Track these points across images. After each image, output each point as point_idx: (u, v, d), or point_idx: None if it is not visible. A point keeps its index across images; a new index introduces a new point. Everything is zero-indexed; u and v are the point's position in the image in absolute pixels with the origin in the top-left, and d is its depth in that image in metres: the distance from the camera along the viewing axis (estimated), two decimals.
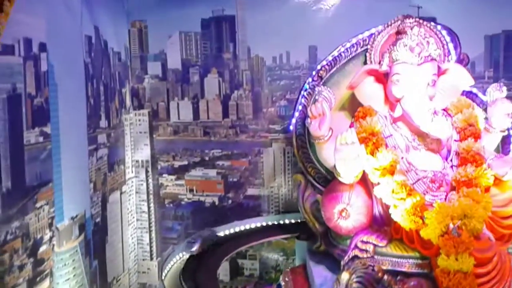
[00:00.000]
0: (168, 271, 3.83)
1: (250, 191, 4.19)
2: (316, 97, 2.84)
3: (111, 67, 3.73)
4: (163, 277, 3.81)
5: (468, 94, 3.21)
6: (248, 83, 4.14)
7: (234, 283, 4.30)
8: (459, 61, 3.30)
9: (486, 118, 2.92)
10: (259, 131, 4.14)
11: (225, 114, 4.18)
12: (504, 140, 3.23)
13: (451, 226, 2.35)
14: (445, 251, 2.27)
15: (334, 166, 2.62)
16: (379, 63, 2.92)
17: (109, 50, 3.70)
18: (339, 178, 2.67)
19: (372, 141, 2.69)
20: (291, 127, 3.36)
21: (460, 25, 3.91)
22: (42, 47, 2.67)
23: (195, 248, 3.70)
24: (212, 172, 4.23)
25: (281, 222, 4.02)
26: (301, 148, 3.31)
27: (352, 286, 2.58)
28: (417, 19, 2.93)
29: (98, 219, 3.43)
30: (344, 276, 2.63)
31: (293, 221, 3.95)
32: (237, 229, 3.96)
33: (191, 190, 4.26)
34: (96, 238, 3.38)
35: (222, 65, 4.17)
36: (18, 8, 1.99)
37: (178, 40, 4.21)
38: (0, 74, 2.27)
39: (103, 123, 3.51)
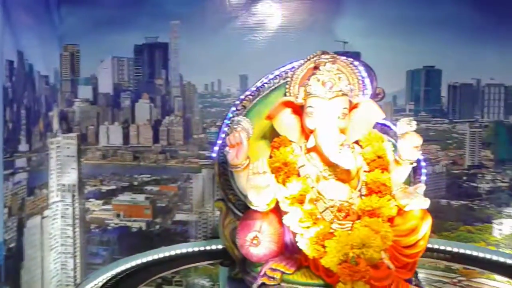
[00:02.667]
0: None
1: (179, 217, 4.20)
2: (235, 127, 2.92)
3: (35, 91, 3.71)
4: None
5: (382, 126, 3.37)
6: (179, 109, 4.19)
7: None
8: (375, 95, 3.47)
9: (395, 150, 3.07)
10: (189, 157, 4.18)
11: (156, 139, 4.21)
12: (416, 171, 3.40)
13: (351, 254, 2.45)
14: (342, 279, 2.36)
15: (246, 194, 2.69)
16: (297, 95, 3.03)
17: (35, 74, 3.68)
18: (251, 206, 2.74)
19: (284, 171, 2.78)
20: (214, 155, 3.42)
21: (383, 60, 4.13)
22: None
23: None
24: (140, 197, 4.22)
25: (208, 248, 4.03)
26: (223, 175, 3.36)
27: None
28: (333, 55, 3.06)
29: (12, 245, 3.34)
30: None
31: (220, 247, 3.96)
32: (161, 255, 3.94)
33: (118, 215, 4.23)
34: (8, 264, 3.29)
35: (154, 91, 4.22)
36: None
37: (110, 64, 4.23)
38: None
39: (23, 147, 3.46)
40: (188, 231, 4.21)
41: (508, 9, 4.08)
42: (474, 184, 4.34)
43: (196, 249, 4.05)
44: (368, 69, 3.51)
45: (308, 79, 2.95)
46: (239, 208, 3.33)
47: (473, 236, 4.35)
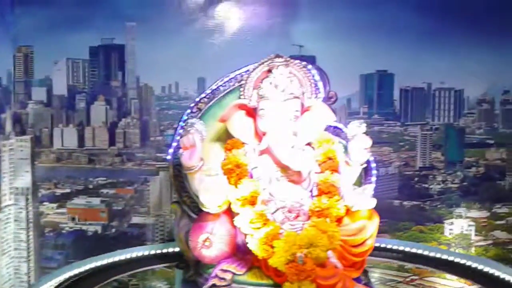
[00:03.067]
0: None
1: (135, 220, 4.18)
2: (188, 129, 2.94)
3: None
4: None
5: (335, 129, 3.44)
6: (136, 112, 4.18)
7: None
8: (328, 98, 3.54)
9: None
10: (146, 160, 4.17)
11: (112, 142, 4.17)
12: (366, 172, 3.49)
13: (299, 254, 2.50)
14: (289, 279, 2.41)
15: (198, 196, 2.71)
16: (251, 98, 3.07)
17: None
18: (203, 208, 2.76)
19: (236, 173, 2.80)
20: (169, 157, 3.41)
21: (338, 64, 4.23)
22: None
23: None
24: (95, 201, 4.18)
25: (165, 250, 3.99)
26: (178, 178, 3.36)
27: None
28: (287, 59, 3.11)
29: None
30: None
31: (177, 249, 3.93)
32: (116, 258, 3.88)
33: (73, 219, 4.18)
34: None
35: (110, 93, 4.19)
36: None
37: (65, 66, 4.18)
38: None
39: None
40: (145, 234, 4.19)
41: (456, 17, 4.24)
42: (426, 185, 4.47)
43: (152, 252, 4.01)
44: (321, 73, 3.58)
45: (261, 82, 2.99)
46: (194, 211, 3.33)
47: (425, 235, 4.48)
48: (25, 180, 4.14)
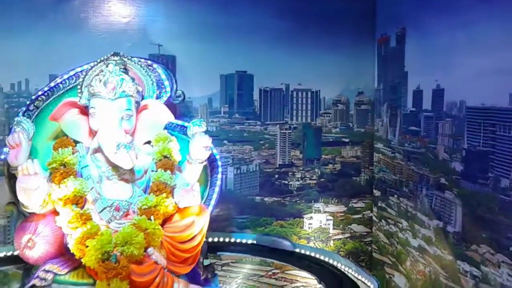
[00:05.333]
0: None
1: None
2: (15, 127, 2.86)
3: None
4: None
5: (182, 127, 3.49)
6: None
7: None
8: (176, 97, 3.60)
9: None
10: None
11: None
12: (212, 170, 3.57)
13: (114, 253, 2.52)
14: (99, 277, 2.43)
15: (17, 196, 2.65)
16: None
17: None
18: (23, 208, 2.71)
19: (60, 172, 2.77)
20: (3, 156, 3.29)
21: (199, 64, 4.29)
22: None
23: None
24: None
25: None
26: (12, 178, 3.25)
27: None
28: (125, 57, 3.10)
29: None
30: None
31: None
32: None
33: None
34: None
35: None
36: None
37: None
38: None
39: None
40: None
41: (311, 21, 4.45)
42: (286, 182, 4.65)
43: (3, 254, 3.85)
44: (168, 72, 3.62)
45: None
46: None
47: (286, 230, 4.64)
48: None
